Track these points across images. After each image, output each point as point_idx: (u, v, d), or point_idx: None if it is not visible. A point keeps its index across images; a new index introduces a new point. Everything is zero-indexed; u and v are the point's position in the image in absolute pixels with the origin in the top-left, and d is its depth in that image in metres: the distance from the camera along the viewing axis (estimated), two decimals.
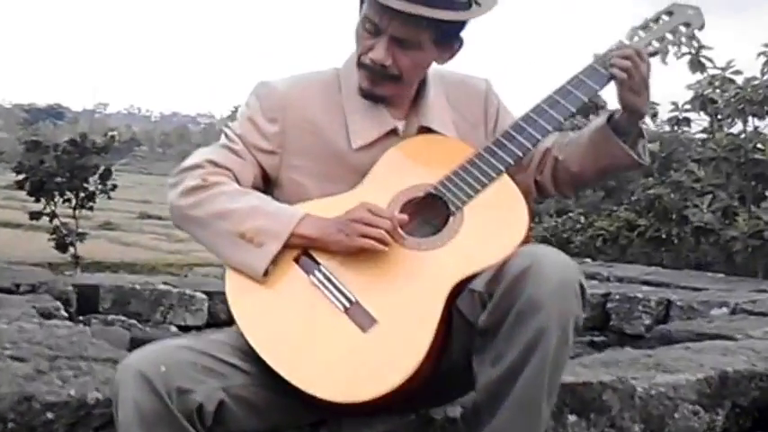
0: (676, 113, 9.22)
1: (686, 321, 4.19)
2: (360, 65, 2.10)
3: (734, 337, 3.72)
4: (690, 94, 8.80)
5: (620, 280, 5.42)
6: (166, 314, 5.06)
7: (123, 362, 1.83)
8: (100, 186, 13.76)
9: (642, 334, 4.65)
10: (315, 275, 1.96)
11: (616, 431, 2.58)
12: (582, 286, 1.85)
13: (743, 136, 8.14)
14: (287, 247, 1.97)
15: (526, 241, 1.99)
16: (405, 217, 1.99)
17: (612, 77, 2.13)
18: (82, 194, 13.51)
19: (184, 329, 5.07)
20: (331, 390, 1.83)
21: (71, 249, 13.10)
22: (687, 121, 9.21)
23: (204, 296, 5.13)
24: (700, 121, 9.22)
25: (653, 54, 2.21)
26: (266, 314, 1.94)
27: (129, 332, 4.60)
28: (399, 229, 1.98)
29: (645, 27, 2.27)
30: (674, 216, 8.50)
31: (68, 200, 13.24)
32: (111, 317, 4.87)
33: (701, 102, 8.59)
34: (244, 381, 1.88)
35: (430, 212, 2.05)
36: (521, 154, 2.10)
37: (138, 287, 5.07)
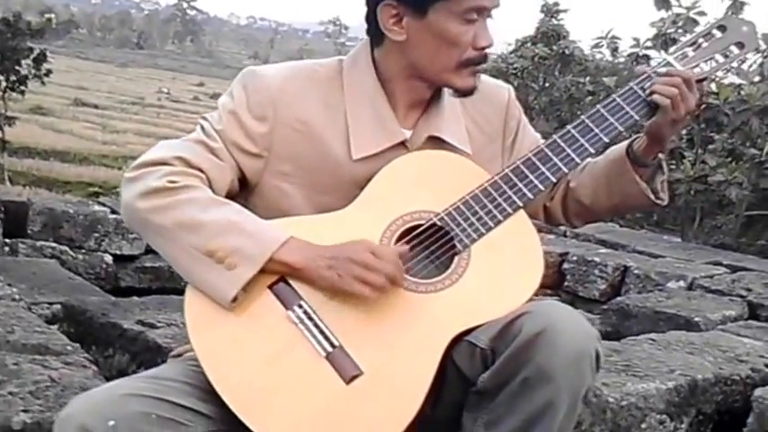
0: (636, 50, 9.12)
1: (644, 296, 4.09)
2: (465, 63, 1.81)
3: (694, 320, 3.67)
4: (653, 32, 8.71)
5: (577, 236, 5.30)
6: (101, 241, 4.79)
7: (64, 412, 1.56)
8: (33, 71, 13.24)
9: (596, 298, 4.58)
10: (294, 310, 1.69)
11: None
12: (598, 354, 1.64)
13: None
14: (263, 272, 1.69)
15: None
16: (406, 249, 1.73)
17: (655, 105, 1.86)
18: (13, 77, 12.98)
19: (119, 258, 4.83)
20: None
21: None
22: (647, 59, 9.08)
23: None
24: (659, 59, 9.17)
25: (701, 80, 1.92)
26: (233, 351, 1.67)
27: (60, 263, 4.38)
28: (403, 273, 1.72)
29: (694, 44, 1.96)
30: None
31: None
32: (40, 243, 4.60)
33: (663, 40, 8.49)
34: (204, 427, 1.63)
35: (431, 244, 1.78)
36: (542, 188, 1.83)
37: (71, 210, 4.78)
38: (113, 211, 4.93)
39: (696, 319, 3.68)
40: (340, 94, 1.85)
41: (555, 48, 11.57)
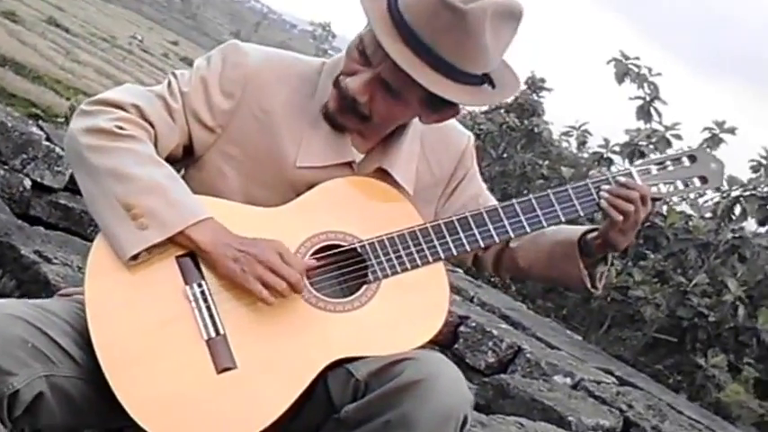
0: (603, 150, 9.16)
1: (527, 381, 4.14)
2: (335, 83, 1.82)
3: (567, 419, 3.72)
4: (624, 138, 8.75)
5: (483, 305, 5.34)
6: (27, 164, 4.66)
7: None
8: None
9: (481, 369, 4.60)
10: (192, 287, 1.70)
11: None
12: (466, 419, 1.67)
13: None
14: (173, 242, 1.71)
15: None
16: (313, 263, 1.76)
17: (603, 211, 1.91)
18: None
19: (37, 187, 4.70)
20: (159, 427, 1.60)
21: None
22: (609, 162, 9.07)
23: None
24: (621, 167, 9.21)
25: (656, 200, 1.97)
26: (121, 307, 1.67)
27: None
28: (306, 282, 1.75)
29: (661, 164, 2.01)
30: None
31: None
32: None
33: (632, 150, 8.51)
34: (70, 371, 1.63)
35: (345, 266, 1.81)
36: (468, 249, 1.88)
37: (9, 124, 4.65)
38: (48, 138, 4.82)
39: (570, 418, 3.73)
40: (309, 99, 1.87)
41: (525, 122, 11.65)
